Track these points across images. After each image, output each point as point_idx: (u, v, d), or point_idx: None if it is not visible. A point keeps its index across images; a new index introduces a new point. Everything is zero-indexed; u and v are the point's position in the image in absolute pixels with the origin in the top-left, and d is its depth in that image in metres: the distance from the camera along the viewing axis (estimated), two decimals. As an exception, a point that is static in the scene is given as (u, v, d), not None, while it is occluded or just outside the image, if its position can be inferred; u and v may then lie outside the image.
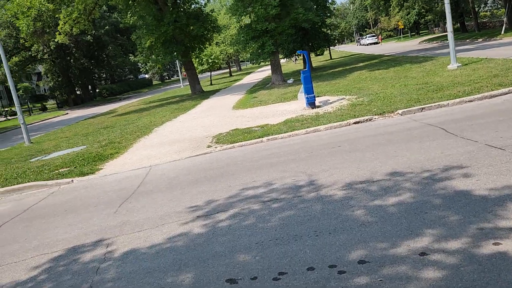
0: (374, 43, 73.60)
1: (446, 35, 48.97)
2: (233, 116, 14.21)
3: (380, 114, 9.22)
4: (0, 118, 44.03)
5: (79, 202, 7.01)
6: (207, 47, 31.96)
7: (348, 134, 8.18)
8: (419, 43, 50.40)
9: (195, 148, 9.59)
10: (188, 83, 31.90)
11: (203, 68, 38.01)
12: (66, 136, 18.21)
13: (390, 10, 77.30)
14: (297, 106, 13.42)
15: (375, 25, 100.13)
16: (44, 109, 49.78)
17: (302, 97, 14.20)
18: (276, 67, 23.74)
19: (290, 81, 23.51)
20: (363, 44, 76.93)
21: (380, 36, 62.50)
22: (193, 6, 28.00)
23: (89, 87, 59.80)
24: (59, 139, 17.33)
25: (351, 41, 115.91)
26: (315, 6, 26.39)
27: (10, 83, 16.41)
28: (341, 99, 13.00)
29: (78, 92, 55.72)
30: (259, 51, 22.73)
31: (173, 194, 6.36)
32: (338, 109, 11.05)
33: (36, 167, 11.00)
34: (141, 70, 67.84)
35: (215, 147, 9.19)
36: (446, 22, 54.92)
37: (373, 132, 7.89)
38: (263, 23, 21.47)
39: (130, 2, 26.72)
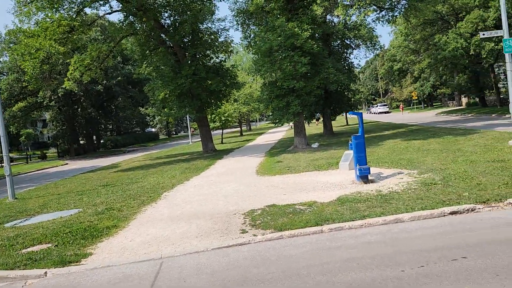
0: (385, 112, 73.04)
1: (463, 108, 47.18)
2: (260, 184, 11.68)
3: (484, 202, 6.67)
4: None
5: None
6: (224, 103, 30.22)
7: (454, 232, 5.58)
8: (436, 114, 48.92)
9: (223, 232, 6.97)
10: (196, 140, 29.77)
11: (215, 125, 36.16)
12: (58, 193, 15.63)
13: (403, 81, 77.44)
14: (341, 178, 10.93)
15: (385, 95, 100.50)
16: (43, 157, 47.60)
17: (345, 166, 11.79)
18: (300, 130, 21.58)
19: (315, 145, 21.25)
20: (374, 113, 76.42)
21: (402, 105, 61.50)
22: (212, 60, 26.53)
23: (94, 137, 58.08)
24: (49, 196, 14.73)
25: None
26: (346, 68, 24.82)
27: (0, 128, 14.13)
28: (398, 173, 10.52)
29: (81, 142, 53.90)
30: (283, 110, 20.70)
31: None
32: (406, 188, 8.52)
33: (7, 239, 8.34)
34: (149, 123, 66.48)
35: (254, 234, 6.56)
36: (461, 96, 53.86)
37: (496, 234, 5.31)
38: (290, 81, 19.62)
39: (147, 52, 25.31)
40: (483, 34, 13.91)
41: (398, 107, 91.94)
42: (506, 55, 13.73)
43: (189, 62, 23.55)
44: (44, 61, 21.28)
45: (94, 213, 10.11)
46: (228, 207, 9.01)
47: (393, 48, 45.19)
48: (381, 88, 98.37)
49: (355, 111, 10.94)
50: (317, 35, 22.09)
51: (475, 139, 16.60)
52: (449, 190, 7.84)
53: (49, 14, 21.14)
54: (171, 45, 24.92)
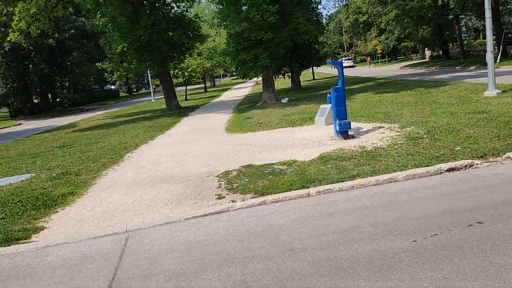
0: (350, 66, 72.82)
1: (427, 61, 47.65)
2: (232, 142, 10.87)
3: (481, 157, 6.18)
4: None
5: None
6: (187, 57, 28.59)
7: (458, 192, 5.03)
8: (400, 68, 49.06)
9: (197, 198, 6.18)
10: (159, 97, 28.31)
11: (178, 81, 34.52)
12: (9, 156, 14.24)
13: (367, 35, 76.95)
14: (319, 134, 10.28)
15: (350, 49, 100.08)
16: (-6, 117, 44.43)
17: (321, 122, 11.14)
18: (269, 84, 20.66)
19: (285, 100, 20.49)
20: (339, 67, 76.14)
21: (369, 59, 60.91)
22: (173, 10, 24.67)
23: (49, 95, 54.69)
24: (-2, 161, 13.36)
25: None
26: (315, 19, 23.68)
27: None
28: (378, 128, 9.97)
29: (36, 101, 50.62)
30: (251, 64, 19.62)
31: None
32: (391, 144, 7.96)
33: None
34: (108, 79, 63.13)
35: (232, 200, 5.82)
36: (425, 49, 54.02)
37: (507, 193, 4.79)
38: (258, 31, 18.44)
39: (100, 0, 23.10)
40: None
41: (362, 61, 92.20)
42: (486, 2, 13.15)
43: (147, 11, 21.70)
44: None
45: (48, 178, 9.05)
46: (199, 168, 8.19)
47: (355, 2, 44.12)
48: (346, 42, 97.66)
49: (335, 61, 10.14)
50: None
51: (447, 90, 16.33)
52: (438, 145, 7.33)
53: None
54: (128, -7, 22.81)
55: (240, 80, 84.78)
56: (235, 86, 54.41)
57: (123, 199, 6.70)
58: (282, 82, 44.64)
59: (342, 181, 5.83)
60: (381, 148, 7.69)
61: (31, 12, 22.70)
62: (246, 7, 18.85)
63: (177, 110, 24.24)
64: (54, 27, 39.89)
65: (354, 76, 40.39)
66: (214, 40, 44.90)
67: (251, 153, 9.05)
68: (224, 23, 19.90)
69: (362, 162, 6.84)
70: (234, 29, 19.29)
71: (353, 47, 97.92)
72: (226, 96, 35.39)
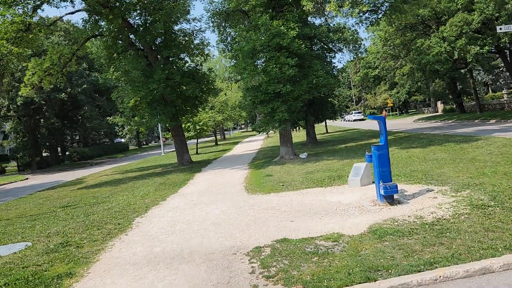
0: (360, 120, 72.80)
1: (440, 114, 46.60)
2: (256, 206, 9.57)
3: None
4: None
5: None
6: (201, 111, 27.96)
7: None
8: (414, 121, 48.27)
9: (226, 289, 4.82)
10: (169, 150, 27.38)
11: (189, 135, 33.77)
12: (7, 218, 13.02)
13: (377, 89, 77.29)
14: (356, 197, 8.97)
15: (358, 102, 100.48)
16: (1, 171, 43.68)
17: (356, 182, 9.87)
18: (287, 138, 19.63)
19: (304, 155, 19.34)
20: (348, 120, 76.06)
21: (385, 112, 59.90)
22: (187, 64, 24.31)
23: (59, 149, 54.34)
24: (-6, 224, 12.10)
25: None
26: (331, 72, 23.11)
27: None
28: (426, 191, 8.65)
29: (45, 154, 50.14)
30: (268, 118, 18.71)
31: None
32: (455, 213, 6.62)
33: None
34: (118, 133, 62.97)
35: (275, 295, 4.46)
36: (437, 102, 53.77)
37: None
38: (276, 85, 17.69)
39: (114, 55, 22.86)
40: (500, 29, 12.43)
41: (373, 114, 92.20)
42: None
43: (161, 65, 21.25)
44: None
45: (45, 251, 7.74)
46: (223, 242, 6.86)
47: (371, 54, 44.21)
48: (355, 95, 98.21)
49: (377, 115, 9.05)
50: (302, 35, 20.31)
51: (483, 146, 15.09)
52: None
53: (1, 9, 18.45)
54: (142, 47, 22.58)
55: (250, 133, 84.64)
56: (246, 139, 53.70)
57: (132, 287, 5.35)
58: (295, 135, 43.81)
59: (419, 271, 4.47)
60: (444, 219, 6.35)
61: (44, 67, 22.43)
62: (263, 60, 18.28)
63: (189, 165, 23.15)
64: (66, 82, 40.22)
65: (369, 129, 39.50)
66: (225, 94, 44.79)
67: (281, 221, 7.73)
68: (240, 77, 19.24)
69: (429, 240, 5.49)
70: (250, 82, 18.60)
71: (362, 101, 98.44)
72: (238, 149, 34.43)
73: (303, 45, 17.71)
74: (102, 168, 33.49)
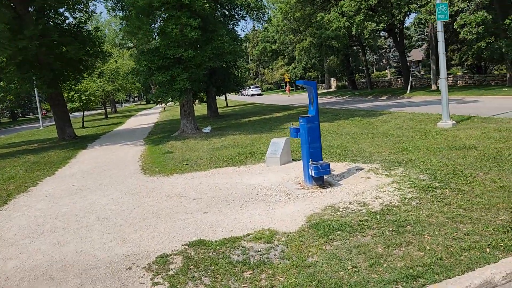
0: (258, 94, 73.13)
1: (334, 90, 48.57)
2: (157, 191, 7.68)
3: None
4: None
5: None
6: (86, 77, 24.29)
7: None
8: (310, 96, 49.32)
9: None
10: (50, 124, 23.54)
11: (74, 106, 29.60)
12: None
13: (274, 64, 77.97)
14: (278, 178, 7.62)
15: (256, 77, 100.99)
16: None
17: (275, 160, 8.53)
18: (188, 111, 17.66)
19: (207, 130, 17.64)
20: (246, 95, 75.76)
21: (288, 87, 58.86)
22: (68, 21, 20.60)
23: None
24: None
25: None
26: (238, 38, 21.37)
27: None
28: (356, 170, 7.63)
29: None
30: (167, 86, 16.52)
31: None
32: (403, 198, 5.58)
33: None
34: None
35: None
36: (331, 79, 55.75)
37: None
38: (176, 49, 15.54)
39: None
40: None
41: (269, 89, 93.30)
42: (438, 23, 11.97)
43: (34, 18, 17.49)
44: None
45: None
46: (112, 248, 4.94)
47: (271, 27, 43.48)
48: (252, 70, 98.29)
49: (306, 81, 7.66)
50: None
51: (389, 120, 14.96)
52: (478, 201, 5.10)
53: None
54: (7, -5, 18.36)
55: (144, 106, 79.68)
56: (140, 113, 49.95)
57: None
58: (195, 109, 41.68)
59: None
60: (395, 206, 5.24)
61: None
62: (161, 19, 15.93)
63: (72, 140, 19.90)
64: None
65: (269, 103, 39.11)
66: (116, 62, 40.50)
67: (191, 213, 6.03)
68: (134, 39, 16.61)
69: (390, 237, 4.28)
70: (146, 44, 16.13)
71: (260, 76, 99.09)
72: (131, 123, 31.31)
73: (207, 5, 15.71)
74: (-38, 144, 27.84)
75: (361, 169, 7.60)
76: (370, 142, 10.61)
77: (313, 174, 6.49)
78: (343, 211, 5.27)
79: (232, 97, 70.36)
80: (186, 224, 5.55)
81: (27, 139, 24.86)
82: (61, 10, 20.07)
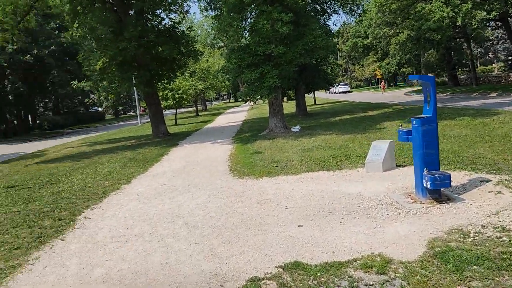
0: (347, 92, 70.22)
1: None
2: (246, 196, 7.16)
3: None
4: None
5: None
6: (179, 76, 25.05)
7: None
8: (405, 94, 46.26)
9: None
10: (146, 121, 24.63)
11: (167, 104, 30.83)
12: None
13: (364, 60, 74.66)
14: (382, 188, 6.65)
15: (345, 74, 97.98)
16: (-38, 140, 40.13)
17: (376, 166, 7.52)
18: (277, 109, 17.14)
19: (297, 129, 16.95)
20: (334, 92, 73.23)
21: (383, 83, 55.19)
22: (164, 22, 21.32)
23: (29, 117, 50.59)
24: None
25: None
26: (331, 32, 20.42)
27: None
28: (481, 182, 6.37)
29: (16, 122, 46.38)
30: (256, 84, 16.14)
31: None
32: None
33: None
34: (86, 101, 58.91)
35: None
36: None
37: None
38: (266, 45, 15.05)
39: (78, 8, 19.62)
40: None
41: (358, 87, 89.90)
42: None
43: (133, 21, 18.25)
44: None
45: None
46: (199, 263, 4.46)
47: (364, 21, 41.39)
48: (341, 67, 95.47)
49: (423, 75, 6.65)
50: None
51: (508, 121, 12.93)
52: None
53: None
54: (110, 0, 19.43)
55: (233, 104, 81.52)
56: (229, 110, 50.94)
57: None
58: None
59: None
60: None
61: (-5, 19, 19.13)
62: (253, 15, 15.57)
63: (165, 138, 20.54)
64: (32, 43, 36.37)
65: (360, 101, 37.27)
66: (207, 61, 41.56)
67: (284, 225, 5.37)
68: (225, 37, 16.48)
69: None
70: (236, 41, 15.90)
71: (349, 72, 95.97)
72: (220, 121, 31.80)
73: (299, -1, 15.01)
74: (72, 139, 30.51)
75: (486, 181, 6.32)
76: (489, 147, 9.07)
77: (428, 186, 5.44)
78: (476, 238, 4.21)
79: (319, 94, 68.97)
80: (279, 239, 4.90)
81: (125, 136, 26.36)
82: (158, 11, 20.82)
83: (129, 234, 5.77)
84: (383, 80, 55.45)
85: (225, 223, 5.77)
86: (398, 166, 8.14)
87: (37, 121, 50.87)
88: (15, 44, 26.54)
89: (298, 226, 5.31)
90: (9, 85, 38.46)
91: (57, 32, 40.06)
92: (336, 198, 6.39)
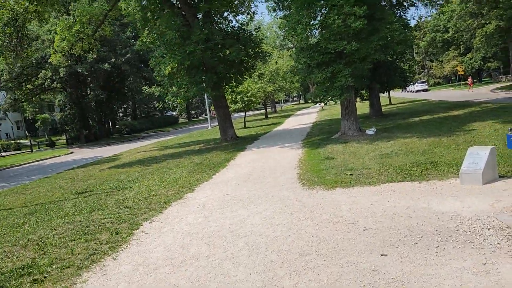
0: (424, 90, 65.67)
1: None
2: (316, 212, 6.26)
3: None
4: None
5: None
6: (247, 79, 24.66)
7: None
8: (491, 91, 41.98)
9: None
10: (217, 124, 24.52)
11: (236, 107, 30.68)
12: (10, 207, 10.74)
13: (444, 56, 69.57)
14: (484, 205, 5.39)
15: (422, 71, 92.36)
16: (51, 145, 43.47)
17: (474, 178, 6.23)
18: (350, 110, 15.92)
19: (371, 131, 15.62)
20: (411, 91, 68.83)
21: (471, 79, 48.93)
22: (231, 24, 20.99)
23: (109, 122, 53.66)
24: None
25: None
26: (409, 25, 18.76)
27: None
28: None
29: (97, 127, 49.42)
30: (327, 84, 15.09)
31: None
32: None
33: None
34: (157, 106, 61.07)
35: None
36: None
37: None
38: (338, 42, 13.95)
39: (148, 15, 19.94)
40: None
41: (436, 84, 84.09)
42: None
43: (200, 24, 18.08)
44: (9, 23, 16.10)
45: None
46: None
47: (445, 14, 38.27)
48: (418, 64, 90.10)
49: None
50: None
51: None
52: None
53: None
54: (178, 4, 19.50)
55: (303, 106, 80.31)
56: (299, 112, 49.97)
57: None
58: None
59: None
60: None
61: (74, 30, 20.05)
62: (323, 11, 14.58)
63: (233, 141, 20.17)
64: (110, 52, 38.32)
65: (440, 100, 34.39)
66: (276, 63, 41.00)
67: (364, 253, 4.40)
68: (294, 34, 15.61)
69: None
70: (305, 39, 14.97)
71: (426, 69, 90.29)
72: (290, 123, 30.99)
73: (374, -11, 13.74)
74: (147, 143, 31.53)
75: None
76: None
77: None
78: None
79: (394, 93, 65.35)
80: (357, 273, 3.96)
81: (195, 139, 26.53)
82: (225, 14, 20.56)
83: (184, 255, 5.15)
84: (470, 76, 50.07)
85: (291, 246, 4.93)
86: (501, 177, 6.75)
87: (116, 126, 53.76)
88: (94, 53, 27.84)
89: (381, 255, 4.32)
90: (91, 93, 40.88)
91: (132, 40, 41.88)
92: (426, 218, 5.27)
